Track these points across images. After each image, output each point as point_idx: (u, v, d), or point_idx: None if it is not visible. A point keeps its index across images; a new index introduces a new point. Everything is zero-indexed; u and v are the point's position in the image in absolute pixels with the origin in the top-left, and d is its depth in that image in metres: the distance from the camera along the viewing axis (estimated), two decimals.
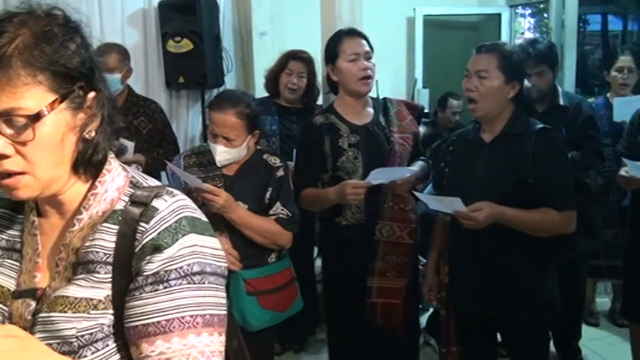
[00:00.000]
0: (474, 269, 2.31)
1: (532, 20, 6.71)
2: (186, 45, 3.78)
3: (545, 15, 5.73)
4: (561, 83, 4.25)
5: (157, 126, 3.42)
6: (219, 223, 2.32)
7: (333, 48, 2.62)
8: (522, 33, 6.36)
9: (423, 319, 3.84)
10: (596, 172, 3.54)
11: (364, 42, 2.61)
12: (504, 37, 5.46)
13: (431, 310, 3.91)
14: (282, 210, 2.39)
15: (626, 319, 3.11)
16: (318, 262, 3.99)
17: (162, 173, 3.18)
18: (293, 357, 3.71)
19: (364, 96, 2.64)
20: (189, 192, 2.34)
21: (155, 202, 0.99)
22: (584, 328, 3.75)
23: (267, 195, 2.39)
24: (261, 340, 2.42)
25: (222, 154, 2.36)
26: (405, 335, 2.73)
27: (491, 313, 2.30)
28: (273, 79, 3.56)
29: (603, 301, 4.25)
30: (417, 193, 2.39)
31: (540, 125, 2.28)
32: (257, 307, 2.35)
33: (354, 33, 2.64)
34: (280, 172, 2.43)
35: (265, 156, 2.48)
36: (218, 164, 2.39)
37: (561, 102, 3.20)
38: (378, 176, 2.42)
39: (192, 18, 3.76)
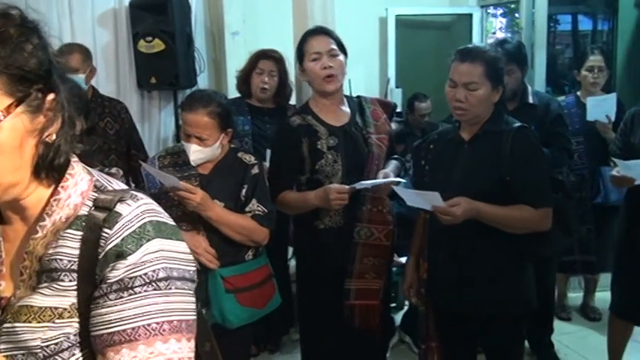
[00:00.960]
0: (451, 266, 2.33)
1: (503, 20, 6.78)
2: (157, 45, 3.74)
3: (517, 15, 5.79)
4: (532, 82, 4.30)
5: (123, 126, 3.38)
6: (196, 222, 2.34)
7: (299, 49, 2.61)
8: (494, 33, 6.42)
9: (398, 317, 3.87)
10: (569, 169, 3.60)
11: (329, 39, 2.56)
12: (476, 37, 5.51)
13: (405, 308, 3.94)
14: (258, 207, 2.40)
15: (620, 319, 3.10)
16: (293, 263, 4.00)
17: None
18: (268, 357, 3.70)
19: (331, 95, 2.60)
20: (165, 192, 2.35)
21: (119, 207, 0.96)
22: (557, 322, 3.80)
23: (243, 192, 2.40)
24: (239, 339, 2.44)
25: (196, 153, 2.36)
26: (381, 335, 2.75)
27: (468, 309, 2.32)
28: (244, 79, 3.55)
29: (575, 296, 4.31)
30: (396, 188, 2.39)
31: (518, 124, 2.30)
32: (236, 305, 2.36)
33: (318, 31, 2.61)
34: (255, 170, 2.44)
35: (240, 154, 2.49)
36: (192, 163, 2.39)
37: (531, 100, 3.24)
38: (363, 185, 2.44)
39: (164, 18, 3.72)
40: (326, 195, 2.39)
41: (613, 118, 3.45)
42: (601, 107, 3.48)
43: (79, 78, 3.22)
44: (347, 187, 2.41)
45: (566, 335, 3.80)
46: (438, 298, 2.42)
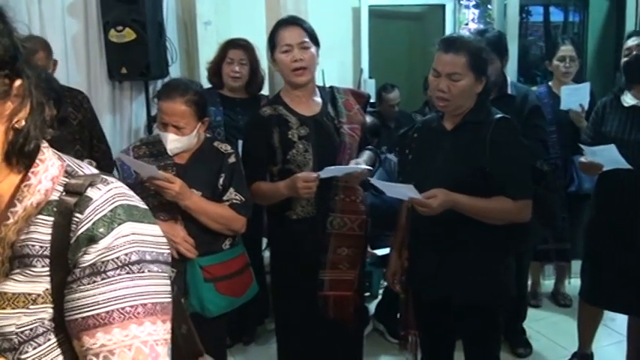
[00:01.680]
0: (431, 255, 2.34)
1: (476, 11, 6.81)
2: (128, 34, 3.69)
3: (489, 6, 5.82)
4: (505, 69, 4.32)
5: (86, 116, 3.33)
6: (173, 211, 2.35)
7: (271, 39, 2.59)
8: (467, 24, 6.45)
9: (372, 307, 3.90)
10: (542, 159, 3.63)
11: (301, 31, 2.54)
12: (449, 27, 5.55)
13: (379, 297, 3.96)
14: (235, 195, 2.41)
15: (590, 305, 3.16)
16: (267, 254, 4.00)
17: None
18: (243, 348, 3.70)
19: (301, 87, 2.59)
20: (141, 183, 2.34)
21: (89, 191, 0.96)
22: (528, 309, 3.85)
23: (221, 181, 2.41)
24: (215, 327, 2.45)
25: (173, 142, 2.36)
26: (355, 325, 2.76)
27: (447, 297, 2.34)
28: (215, 70, 3.53)
29: (546, 283, 4.38)
30: (372, 180, 2.39)
31: (500, 114, 2.31)
32: (214, 294, 2.37)
33: (290, 22, 2.58)
34: (232, 159, 2.45)
35: (216, 143, 2.50)
36: (169, 153, 2.39)
37: (509, 91, 3.26)
38: (330, 172, 2.42)
39: (135, 7, 3.67)
40: (294, 184, 2.40)
41: (587, 107, 3.49)
42: (575, 96, 3.52)
43: None
44: (314, 174, 2.40)
45: (537, 322, 3.86)
46: (418, 287, 2.44)
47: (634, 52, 2.88)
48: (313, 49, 2.55)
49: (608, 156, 2.72)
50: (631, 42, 2.93)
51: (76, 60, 3.89)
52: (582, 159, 2.81)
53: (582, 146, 2.82)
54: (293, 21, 2.59)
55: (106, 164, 3.14)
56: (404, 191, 2.19)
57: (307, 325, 2.65)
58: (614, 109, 2.98)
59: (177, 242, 2.30)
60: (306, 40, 2.53)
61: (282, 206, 2.59)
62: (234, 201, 2.40)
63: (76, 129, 3.27)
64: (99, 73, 3.91)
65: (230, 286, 2.42)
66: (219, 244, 2.44)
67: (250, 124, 2.73)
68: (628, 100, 2.93)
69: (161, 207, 2.32)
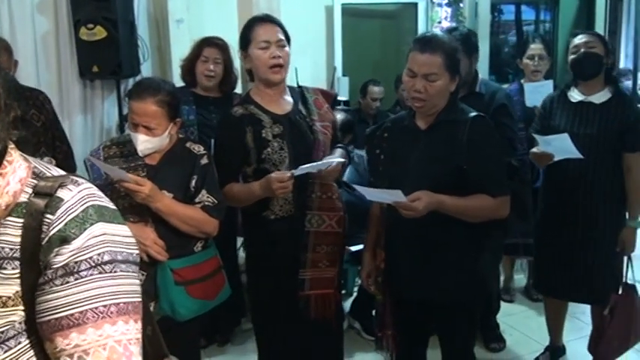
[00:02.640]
0: (409, 255, 2.33)
1: (449, 10, 6.86)
2: (99, 32, 3.66)
3: (461, 5, 5.86)
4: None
5: (49, 117, 3.25)
6: (143, 214, 2.30)
7: (245, 34, 2.56)
8: (439, 22, 6.49)
9: (347, 304, 3.91)
10: (509, 157, 3.67)
11: (278, 29, 2.54)
12: (421, 26, 5.57)
13: (354, 294, 3.98)
14: (207, 197, 2.37)
15: (540, 293, 3.28)
16: (242, 253, 3.98)
17: None
18: (218, 349, 3.69)
19: (276, 85, 2.58)
20: (111, 184, 2.30)
21: (60, 192, 0.96)
22: (501, 304, 3.91)
23: (193, 183, 2.37)
24: (186, 331, 2.42)
25: (144, 143, 2.31)
26: (336, 323, 2.75)
27: (428, 298, 2.33)
28: (188, 68, 3.49)
29: (519, 278, 4.43)
30: (356, 186, 2.35)
31: (474, 113, 2.31)
32: (186, 297, 2.33)
33: (267, 20, 2.57)
34: (204, 160, 2.41)
35: (188, 144, 2.45)
36: (140, 154, 2.34)
37: (477, 89, 3.28)
38: (304, 170, 2.40)
39: (106, 4, 3.64)
40: (268, 184, 2.37)
41: None
42: (538, 93, 3.56)
43: None
44: (288, 173, 2.38)
45: (511, 316, 3.90)
46: (397, 287, 2.42)
47: (581, 50, 2.95)
48: (287, 49, 2.55)
49: (560, 145, 2.78)
50: (578, 40, 2.99)
51: (46, 59, 3.85)
52: (534, 149, 2.86)
53: (536, 136, 2.87)
54: (269, 18, 2.57)
55: (68, 165, 3.05)
56: (389, 196, 2.16)
57: (288, 325, 2.63)
58: (562, 105, 3.07)
59: (147, 245, 2.25)
60: (283, 38, 2.53)
61: (258, 207, 2.56)
62: (206, 203, 2.36)
63: (40, 130, 3.17)
64: (70, 71, 3.87)
65: (202, 289, 2.38)
66: (190, 246, 2.39)
67: (222, 125, 2.69)
68: (575, 95, 3.03)
69: (131, 209, 2.28)
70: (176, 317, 2.32)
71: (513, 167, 2.72)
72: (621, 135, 2.91)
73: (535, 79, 3.78)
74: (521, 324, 3.87)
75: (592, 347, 3.11)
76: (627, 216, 3.02)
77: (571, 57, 3.00)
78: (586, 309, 3.48)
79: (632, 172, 2.94)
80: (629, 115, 2.92)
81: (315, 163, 2.48)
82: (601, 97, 2.96)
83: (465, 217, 2.23)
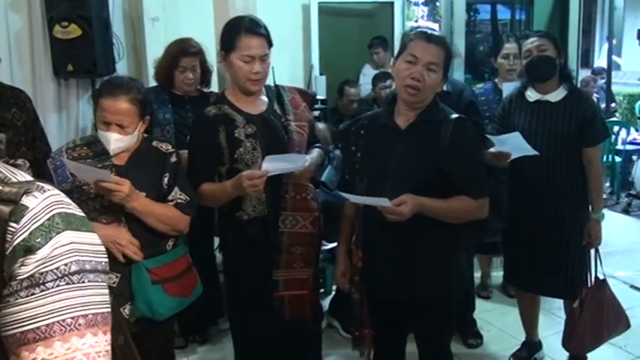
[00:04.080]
0: (386, 254, 2.32)
1: (425, 9, 6.90)
2: (74, 31, 3.60)
3: (438, 3, 5.90)
4: (451, 69, 4.38)
5: (30, 117, 3.21)
6: (116, 214, 2.28)
7: (230, 39, 2.49)
8: (416, 21, 6.53)
9: (326, 303, 3.91)
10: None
11: (264, 42, 2.48)
12: (397, 25, 5.60)
13: (333, 293, 3.98)
14: (180, 195, 2.36)
15: (511, 286, 3.38)
16: (219, 253, 3.97)
17: None
18: (196, 349, 3.67)
19: (252, 94, 2.56)
20: (78, 186, 2.27)
21: (25, 200, 0.91)
22: (478, 300, 3.94)
23: (165, 181, 2.36)
24: (162, 332, 2.42)
25: (117, 142, 2.29)
26: (312, 324, 2.75)
27: (405, 296, 2.33)
28: (165, 74, 3.42)
29: (496, 275, 4.46)
30: (344, 194, 2.28)
31: (456, 114, 2.30)
32: (164, 295, 2.31)
33: (254, 31, 2.47)
34: (173, 158, 2.40)
35: (155, 143, 2.44)
36: (111, 153, 2.31)
37: (444, 88, 3.30)
38: (275, 164, 2.36)
39: (80, 2, 3.57)
40: (239, 182, 2.34)
41: None
42: None
43: None
44: (259, 172, 2.34)
45: (488, 312, 3.93)
46: (375, 286, 2.40)
47: (534, 54, 2.99)
48: (269, 59, 2.53)
49: (514, 143, 2.80)
50: (529, 44, 3.03)
51: (19, 57, 3.78)
52: (491, 149, 2.88)
53: (490, 137, 2.90)
54: (258, 31, 2.49)
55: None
56: (376, 202, 2.14)
57: (264, 325, 2.62)
58: (519, 104, 3.12)
59: (123, 245, 2.23)
60: (267, 51, 2.50)
61: (232, 207, 2.54)
62: (178, 200, 2.35)
63: (21, 130, 3.15)
64: (44, 70, 3.81)
65: (178, 286, 2.37)
66: (163, 245, 2.38)
67: (195, 125, 2.66)
68: (532, 95, 3.08)
69: (103, 209, 2.26)
70: (155, 317, 2.31)
71: (488, 167, 2.74)
72: (579, 130, 2.97)
73: (510, 77, 3.81)
74: (498, 320, 3.91)
75: (565, 341, 3.16)
76: (590, 209, 3.07)
77: (524, 61, 3.06)
78: (562, 304, 3.51)
79: (593, 166, 3.02)
80: (585, 110, 2.98)
81: (284, 155, 2.45)
82: (557, 95, 3.03)
83: (446, 218, 2.23)
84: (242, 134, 2.51)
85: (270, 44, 2.52)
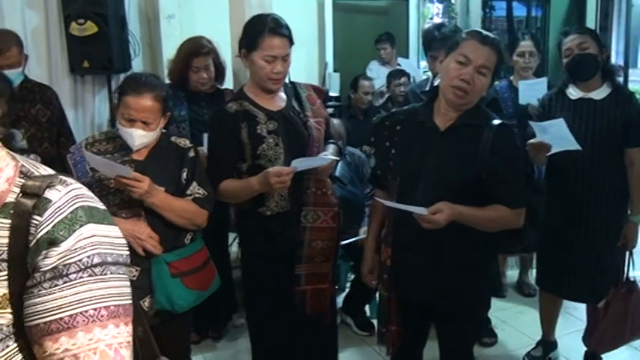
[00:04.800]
0: (417, 255, 2.26)
1: (440, 6, 6.88)
2: (90, 28, 3.64)
3: (453, 1, 5.87)
4: None
5: (55, 113, 3.28)
6: (136, 208, 2.31)
7: (253, 37, 2.47)
8: (431, 18, 6.51)
9: (339, 300, 3.90)
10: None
11: (286, 43, 2.48)
12: (413, 22, 5.58)
13: (347, 290, 3.98)
14: (198, 190, 2.39)
15: (545, 292, 3.25)
16: (233, 249, 3.98)
17: None
18: (211, 345, 3.68)
19: (272, 92, 2.57)
20: (98, 181, 2.30)
21: (48, 193, 0.93)
22: (493, 299, 3.90)
23: (184, 176, 2.38)
24: (179, 325, 2.44)
25: (141, 138, 2.32)
26: (331, 319, 2.76)
27: (435, 299, 2.28)
28: (179, 75, 3.41)
29: (511, 274, 4.44)
30: (383, 201, 2.26)
31: (498, 120, 2.21)
32: (183, 288, 2.35)
33: (278, 32, 2.45)
34: (192, 153, 2.43)
35: (173, 138, 2.46)
36: (134, 149, 2.35)
37: None
38: (301, 163, 2.39)
39: None
40: (266, 179, 2.35)
41: None
42: (532, 91, 3.56)
43: (18, 71, 3.15)
44: (286, 168, 2.37)
45: (503, 311, 3.91)
46: (404, 287, 2.33)
47: (575, 52, 2.93)
48: (290, 58, 2.53)
49: (557, 132, 2.74)
50: (569, 41, 2.96)
51: (36, 54, 3.82)
52: (531, 140, 2.83)
53: (532, 123, 2.85)
54: (281, 31, 2.47)
55: None
56: (413, 210, 2.08)
57: (282, 320, 2.63)
58: (560, 102, 3.04)
59: (143, 239, 2.27)
60: (289, 51, 2.50)
61: (254, 203, 2.55)
62: (197, 195, 2.38)
63: (45, 126, 3.22)
64: (60, 67, 3.85)
65: (196, 280, 2.41)
66: (181, 239, 2.41)
67: (216, 121, 2.63)
68: (574, 93, 3.00)
69: (122, 204, 2.29)
70: (175, 309, 2.34)
71: (527, 175, 2.67)
72: (623, 130, 2.89)
73: (525, 75, 3.79)
74: (513, 319, 3.88)
75: (586, 338, 3.12)
76: (629, 211, 3.00)
77: (565, 60, 2.97)
78: (578, 305, 3.49)
79: (635, 167, 2.92)
80: (630, 109, 2.90)
81: (312, 158, 2.48)
82: (600, 93, 2.94)
83: (479, 226, 2.16)
84: (264, 130, 2.51)
85: (291, 43, 2.52)
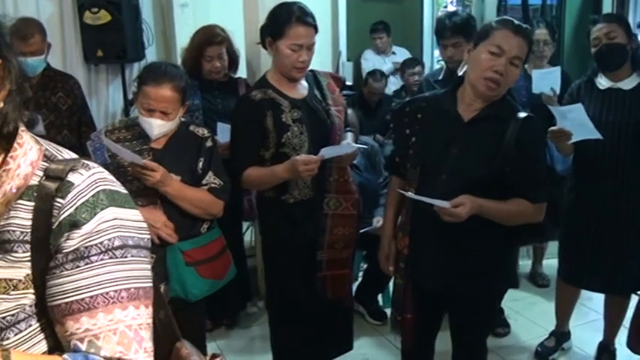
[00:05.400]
0: (435, 246, 2.24)
1: None
2: (104, 16, 3.64)
3: None
4: None
5: (76, 102, 3.32)
6: (152, 196, 2.34)
7: (279, 25, 2.47)
8: (445, 6, 6.46)
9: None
10: None
11: (312, 31, 2.48)
12: (427, 10, 5.56)
13: (359, 279, 3.98)
14: (214, 179, 2.41)
15: (569, 284, 3.21)
16: (247, 237, 3.99)
17: None
18: (225, 332, 3.70)
19: (296, 80, 2.59)
20: (116, 167, 2.33)
21: (71, 176, 0.95)
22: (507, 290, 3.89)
23: (200, 165, 2.41)
24: (194, 311, 2.47)
25: (160, 127, 2.34)
26: (350, 304, 2.84)
27: (452, 290, 2.27)
28: (192, 64, 3.41)
29: (523, 264, 4.42)
30: (405, 192, 2.23)
31: (524, 113, 2.17)
32: (197, 277, 2.38)
33: (304, 21, 2.46)
34: (209, 143, 2.45)
35: (192, 127, 2.48)
36: (154, 138, 2.37)
37: None
38: (329, 151, 2.43)
39: None
40: (294, 167, 2.38)
41: (558, 91, 3.51)
42: (546, 80, 3.53)
43: (41, 59, 3.18)
44: (314, 157, 2.39)
45: (516, 302, 3.89)
46: (420, 276, 2.32)
47: (603, 42, 2.88)
48: (315, 46, 2.54)
49: (576, 118, 2.71)
50: (597, 30, 2.91)
51: (50, 42, 3.82)
52: (552, 128, 2.80)
53: (552, 108, 2.82)
54: (308, 20, 2.48)
55: None
56: (435, 202, 2.06)
57: (303, 306, 2.68)
58: (589, 92, 2.99)
59: (158, 227, 2.29)
60: (314, 40, 2.51)
61: (277, 191, 2.58)
62: (212, 185, 2.40)
63: (65, 114, 3.26)
64: (74, 56, 3.86)
65: (211, 269, 2.43)
66: (197, 228, 2.44)
67: (240, 110, 2.64)
68: (603, 82, 2.95)
69: (139, 192, 2.31)
70: (188, 298, 2.37)
71: (548, 168, 2.63)
72: None
73: (540, 64, 3.76)
74: (526, 309, 3.88)
75: (632, 341, 2.86)
76: None
77: (593, 49, 2.91)
78: (592, 295, 3.47)
79: None
80: None
81: (339, 147, 2.53)
82: (630, 82, 2.89)
83: (499, 220, 2.14)
84: (289, 119, 2.53)
85: (316, 32, 2.52)
